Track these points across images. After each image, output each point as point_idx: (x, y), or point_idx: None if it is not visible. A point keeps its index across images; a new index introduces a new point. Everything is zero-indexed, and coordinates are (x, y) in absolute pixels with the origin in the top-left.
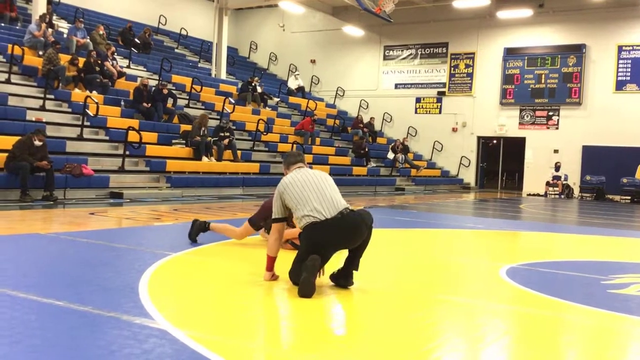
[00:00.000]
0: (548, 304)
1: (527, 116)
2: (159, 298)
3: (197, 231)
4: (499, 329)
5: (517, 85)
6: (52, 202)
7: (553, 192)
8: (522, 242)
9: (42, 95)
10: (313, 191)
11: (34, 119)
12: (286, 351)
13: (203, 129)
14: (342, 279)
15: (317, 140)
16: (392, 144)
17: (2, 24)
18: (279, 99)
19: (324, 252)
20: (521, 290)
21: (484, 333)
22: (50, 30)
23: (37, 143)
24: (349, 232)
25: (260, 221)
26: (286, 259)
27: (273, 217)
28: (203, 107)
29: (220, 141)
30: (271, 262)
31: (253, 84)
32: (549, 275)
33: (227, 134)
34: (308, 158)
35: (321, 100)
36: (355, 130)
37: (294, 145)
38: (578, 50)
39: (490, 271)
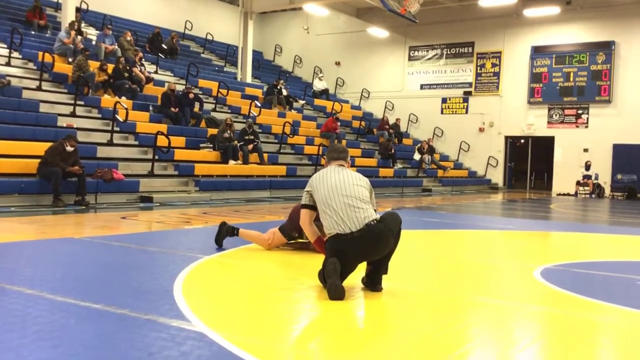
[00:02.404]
0: (585, 305)
1: (556, 115)
2: (194, 301)
3: (225, 235)
4: (536, 331)
5: (545, 83)
6: (84, 207)
7: (583, 192)
8: (555, 242)
9: (72, 102)
10: (341, 197)
11: (65, 125)
12: (320, 353)
13: (229, 132)
14: (370, 285)
15: (343, 142)
16: (418, 145)
17: (32, 32)
18: (304, 102)
19: (349, 262)
20: (557, 292)
21: (520, 336)
22: (79, 37)
23: (69, 149)
24: (374, 246)
25: (293, 232)
26: (316, 262)
27: (302, 203)
28: (229, 111)
29: (246, 145)
30: (319, 243)
31: (278, 87)
32: (584, 276)
33: (252, 137)
34: None
35: (346, 102)
36: (381, 132)
37: (320, 147)
38: (607, 47)
39: (525, 272)
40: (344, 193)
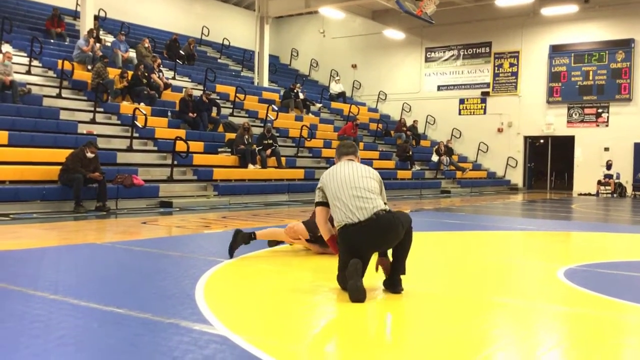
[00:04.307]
0: (610, 305)
1: (576, 114)
2: (215, 304)
3: (240, 244)
4: (562, 332)
5: (564, 82)
6: (104, 213)
7: (605, 192)
8: (578, 242)
9: (92, 109)
10: (349, 190)
11: (85, 131)
12: (342, 356)
13: (247, 136)
14: (390, 287)
15: (361, 144)
16: (436, 147)
17: (52, 41)
18: (321, 105)
19: (361, 253)
20: (582, 292)
21: (546, 337)
22: (98, 45)
23: (89, 155)
24: (383, 233)
25: (316, 229)
26: (336, 265)
27: (315, 201)
28: (247, 115)
29: (264, 150)
30: (333, 242)
31: (295, 91)
32: (609, 276)
33: (270, 141)
34: None
35: (363, 104)
36: (399, 134)
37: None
38: (626, 45)
39: (548, 273)
40: (352, 185)
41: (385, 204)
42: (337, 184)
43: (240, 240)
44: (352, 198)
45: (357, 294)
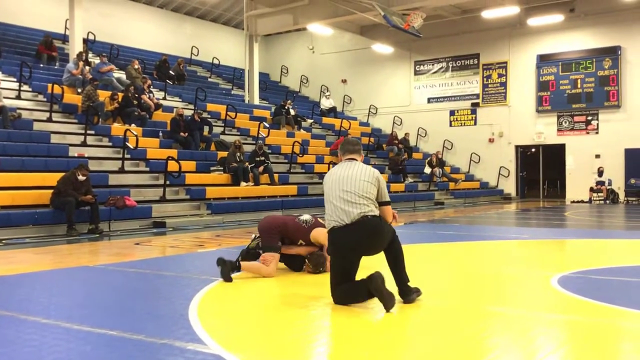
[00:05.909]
0: (605, 311)
1: (565, 122)
2: (209, 323)
3: (230, 271)
4: (556, 340)
5: (552, 91)
6: (97, 235)
7: (597, 198)
8: (571, 250)
9: (83, 132)
10: (339, 193)
11: (76, 154)
12: None
13: (239, 154)
14: (403, 297)
15: None
16: (428, 159)
17: (41, 65)
18: (312, 121)
19: (349, 258)
20: (575, 299)
21: (541, 345)
22: (87, 68)
23: (81, 178)
24: (369, 235)
25: (274, 242)
26: (327, 281)
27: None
28: (238, 133)
29: (256, 167)
30: None
31: (286, 107)
32: (603, 282)
33: (262, 158)
34: None
35: (354, 119)
36: (391, 147)
37: (330, 165)
38: (613, 52)
39: (541, 281)
40: (344, 189)
41: (388, 202)
42: (331, 184)
43: (230, 267)
44: (340, 201)
45: (391, 302)
